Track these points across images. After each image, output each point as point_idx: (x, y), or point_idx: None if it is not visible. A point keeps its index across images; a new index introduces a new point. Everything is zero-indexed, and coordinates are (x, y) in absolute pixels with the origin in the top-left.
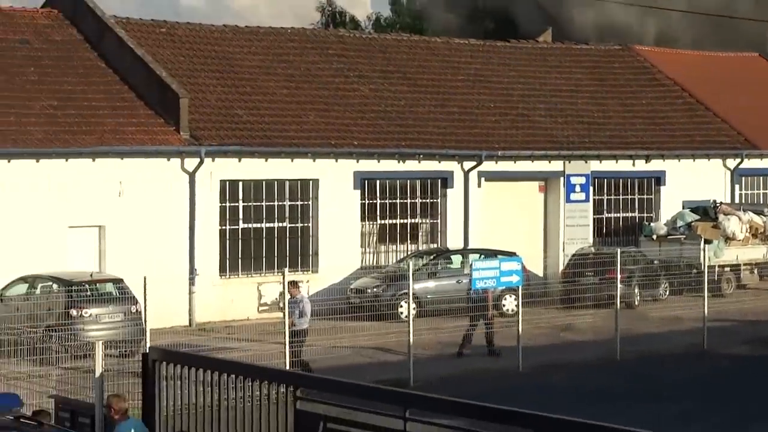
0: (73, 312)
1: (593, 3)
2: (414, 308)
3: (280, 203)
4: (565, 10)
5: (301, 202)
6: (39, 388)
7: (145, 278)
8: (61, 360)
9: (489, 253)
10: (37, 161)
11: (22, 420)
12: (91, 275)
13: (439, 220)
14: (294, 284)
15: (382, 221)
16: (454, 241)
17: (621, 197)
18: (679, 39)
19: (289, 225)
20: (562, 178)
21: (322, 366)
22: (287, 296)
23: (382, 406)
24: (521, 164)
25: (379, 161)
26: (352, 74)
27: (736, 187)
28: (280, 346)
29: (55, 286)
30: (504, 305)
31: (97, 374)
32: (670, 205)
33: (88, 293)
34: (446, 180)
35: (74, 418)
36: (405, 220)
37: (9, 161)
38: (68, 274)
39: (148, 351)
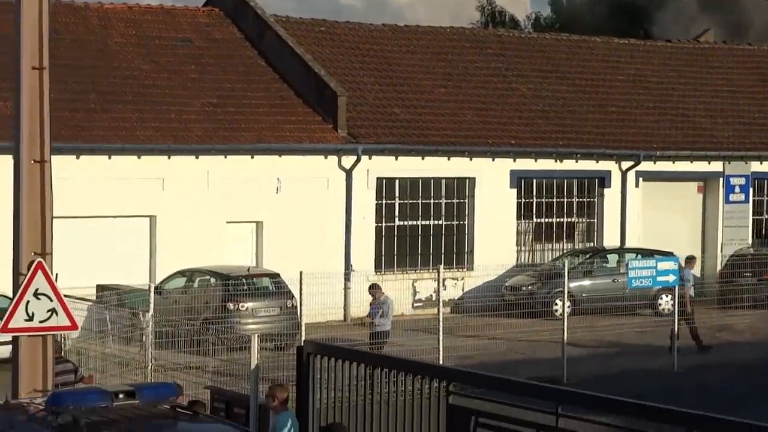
0: (230, 305)
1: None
2: (569, 306)
3: (436, 201)
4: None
5: (457, 200)
6: (195, 379)
7: (301, 273)
8: (218, 352)
9: (645, 253)
10: (197, 158)
11: (178, 409)
12: (248, 270)
13: (595, 220)
14: (376, 287)
15: (538, 220)
16: (610, 240)
17: None
18: None
19: (444, 223)
20: (721, 179)
21: (475, 362)
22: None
23: (535, 402)
24: (680, 165)
25: (536, 160)
26: (510, 73)
27: None
28: (433, 341)
29: (212, 280)
30: (660, 305)
31: (253, 366)
32: None
33: (245, 287)
34: (603, 179)
35: (229, 408)
36: (561, 219)
37: (169, 157)
38: (226, 268)
39: (303, 344)
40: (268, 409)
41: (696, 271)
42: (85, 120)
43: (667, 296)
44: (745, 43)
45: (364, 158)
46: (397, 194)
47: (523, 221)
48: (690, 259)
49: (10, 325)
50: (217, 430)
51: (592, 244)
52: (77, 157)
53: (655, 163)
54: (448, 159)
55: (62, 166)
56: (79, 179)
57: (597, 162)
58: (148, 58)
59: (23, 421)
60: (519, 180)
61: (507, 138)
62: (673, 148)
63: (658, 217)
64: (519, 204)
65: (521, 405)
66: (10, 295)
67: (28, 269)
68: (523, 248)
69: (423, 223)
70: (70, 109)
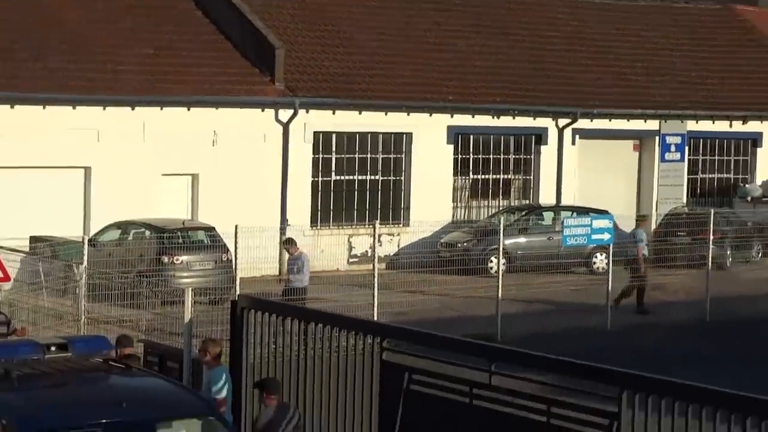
0: (165, 259)
1: None
2: (504, 263)
3: (373, 156)
4: None
5: (394, 156)
6: (129, 332)
7: (236, 227)
8: (152, 305)
9: (581, 211)
10: (133, 109)
11: (111, 363)
12: (183, 223)
13: (531, 177)
14: (291, 241)
15: (475, 176)
16: (546, 197)
17: (717, 158)
18: None
19: (381, 178)
20: (657, 138)
21: (409, 318)
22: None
23: (469, 359)
24: (616, 122)
25: (473, 116)
26: (448, 29)
27: None
28: (368, 297)
29: (147, 232)
30: (595, 263)
31: (186, 320)
32: (766, 167)
33: (180, 240)
34: (540, 137)
35: (162, 362)
36: (497, 176)
37: (104, 108)
38: (161, 221)
39: (237, 299)
40: (202, 364)
41: (631, 229)
42: (19, 69)
43: (601, 254)
44: (681, 2)
45: (302, 112)
46: (334, 148)
47: (459, 177)
48: (643, 219)
49: None
50: (150, 383)
51: (527, 202)
52: (11, 107)
53: (591, 120)
54: (386, 114)
55: None
56: (13, 129)
57: (534, 119)
58: (81, 7)
59: None
60: (456, 136)
61: (444, 94)
62: (610, 106)
63: (594, 175)
64: (456, 160)
65: (455, 362)
66: None
67: None
68: (459, 204)
69: (360, 177)
70: (2, 57)
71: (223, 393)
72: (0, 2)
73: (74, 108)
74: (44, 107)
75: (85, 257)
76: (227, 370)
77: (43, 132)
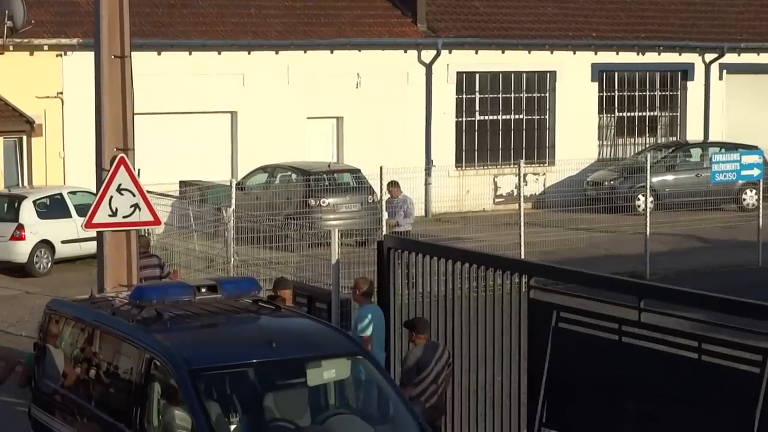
0: (311, 201)
1: None
2: (651, 201)
3: (517, 95)
4: None
5: (538, 94)
6: (277, 274)
7: (381, 168)
8: (299, 248)
9: (729, 147)
10: (277, 53)
11: (260, 303)
12: (329, 165)
13: (678, 113)
14: (395, 184)
15: (620, 114)
16: (693, 134)
17: None
18: None
19: (525, 117)
20: None
21: (556, 257)
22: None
23: (617, 297)
24: (765, 57)
25: (617, 53)
26: None
27: None
28: (515, 236)
29: (293, 175)
30: (744, 199)
31: (333, 261)
32: None
33: (326, 183)
34: (686, 72)
35: (311, 303)
36: (643, 113)
37: (249, 53)
38: (307, 164)
39: (383, 239)
40: (350, 303)
41: None
42: (166, 16)
43: (751, 191)
44: None
45: (444, 52)
46: (477, 88)
47: (604, 115)
48: None
49: (95, 221)
50: (300, 324)
51: (674, 139)
52: (158, 53)
53: (739, 55)
54: (529, 53)
55: (143, 61)
56: (160, 75)
57: (680, 55)
58: None
59: (108, 314)
60: (600, 73)
61: (588, 31)
62: (758, 40)
63: (743, 111)
64: (600, 98)
65: (604, 299)
66: (94, 191)
67: (111, 164)
68: (604, 143)
69: (503, 117)
70: (150, 4)
71: (368, 331)
72: None
73: (219, 53)
74: (190, 53)
75: (233, 201)
76: (375, 309)
77: (190, 78)
